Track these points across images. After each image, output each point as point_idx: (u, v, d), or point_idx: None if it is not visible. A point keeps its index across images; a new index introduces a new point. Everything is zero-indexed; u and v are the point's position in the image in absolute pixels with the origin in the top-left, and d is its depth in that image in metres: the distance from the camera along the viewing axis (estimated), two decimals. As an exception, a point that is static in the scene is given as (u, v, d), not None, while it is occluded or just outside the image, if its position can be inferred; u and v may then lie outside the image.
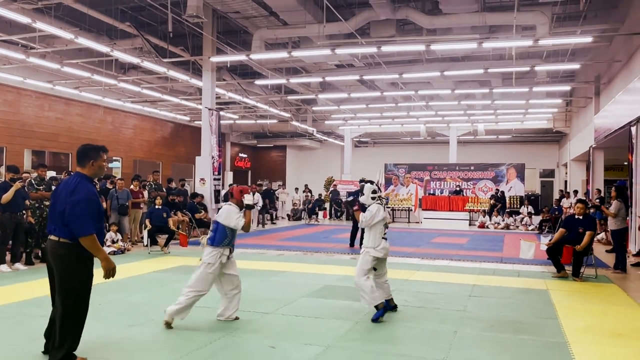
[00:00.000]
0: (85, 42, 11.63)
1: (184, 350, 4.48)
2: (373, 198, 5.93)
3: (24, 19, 9.96)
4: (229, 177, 28.51)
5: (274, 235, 15.47)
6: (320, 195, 24.36)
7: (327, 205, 23.34)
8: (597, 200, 14.27)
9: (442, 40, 13.64)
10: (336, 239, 14.31)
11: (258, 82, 17.53)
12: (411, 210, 21.97)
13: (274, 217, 21.45)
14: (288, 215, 22.79)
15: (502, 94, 19.77)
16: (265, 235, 15.66)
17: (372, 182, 6.17)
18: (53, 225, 4.00)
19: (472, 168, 24.28)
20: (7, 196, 8.39)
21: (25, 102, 16.90)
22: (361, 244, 11.77)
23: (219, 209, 6.01)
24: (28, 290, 6.98)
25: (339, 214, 22.66)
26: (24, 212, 8.80)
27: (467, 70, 15.93)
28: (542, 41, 11.72)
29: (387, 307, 5.81)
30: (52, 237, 3.98)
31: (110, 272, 4.07)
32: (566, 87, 19.04)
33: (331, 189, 23.85)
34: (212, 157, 15.25)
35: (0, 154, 16.12)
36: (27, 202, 8.92)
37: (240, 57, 14.11)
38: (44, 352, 4.29)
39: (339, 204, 22.79)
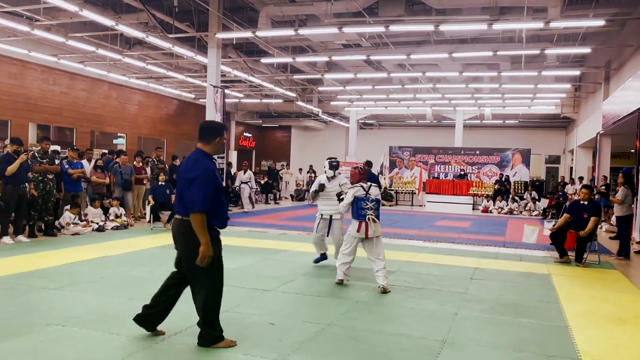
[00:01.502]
0: (90, 15, 11.48)
1: (183, 325, 4.48)
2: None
3: (28, -10, 9.84)
4: (234, 156, 28.47)
5: (276, 215, 15.48)
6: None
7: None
8: (603, 187, 14.18)
9: (451, 21, 13.42)
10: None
11: (264, 60, 17.34)
12: (415, 193, 21.92)
13: (277, 197, 21.47)
14: (291, 195, 22.79)
15: (511, 77, 19.52)
16: (268, 214, 15.68)
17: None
18: (177, 204, 3.95)
19: (477, 152, 24.13)
20: (12, 168, 8.39)
21: (30, 75, 16.81)
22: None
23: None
24: (30, 262, 7.01)
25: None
26: (26, 184, 8.80)
27: (476, 52, 15.70)
28: (553, 24, 11.50)
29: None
30: (177, 216, 3.94)
31: (205, 259, 3.76)
32: (576, 72, 18.76)
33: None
34: (217, 135, 15.19)
35: (5, 127, 16.10)
36: (29, 174, 8.92)
37: (246, 34, 13.93)
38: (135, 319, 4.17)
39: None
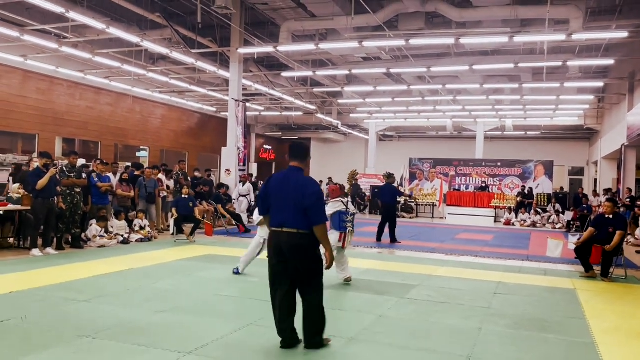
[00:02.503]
0: (116, 32, 11.81)
1: (209, 338, 4.55)
2: None
3: (57, 9, 10.16)
4: (254, 168, 28.70)
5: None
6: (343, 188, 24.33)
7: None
8: (628, 200, 13.94)
9: (472, 34, 13.44)
10: (359, 232, 14.28)
11: (284, 74, 17.56)
12: (435, 205, 21.79)
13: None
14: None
15: (532, 89, 19.39)
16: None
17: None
18: (286, 218, 4.22)
19: (498, 164, 23.91)
20: (43, 182, 8.61)
21: (57, 90, 17.27)
22: (392, 238, 11.82)
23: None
24: (58, 275, 7.16)
25: (361, 207, 22.62)
26: (55, 198, 9.01)
27: (497, 64, 15.68)
28: (576, 36, 11.45)
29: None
30: (288, 229, 4.20)
31: (331, 262, 4.41)
32: (599, 84, 18.57)
33: (353, 182, 23.80)
34: (238, 148, 15.38)
35: (33, 141, 16.54)
36: (58, 188, 9.14)
37: (268, 49, 14.15)
38: (284, 346, 4.35)
39: (363, 197, 22.74)
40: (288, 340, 4.34)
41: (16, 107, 15.79)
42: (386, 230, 12.10)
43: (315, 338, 4.32)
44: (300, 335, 4.37)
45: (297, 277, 4.25)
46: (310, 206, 4.16)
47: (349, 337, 4.78)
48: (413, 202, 21.64)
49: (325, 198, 4.88)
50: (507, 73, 18.57)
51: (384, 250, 11.02)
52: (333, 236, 6.81)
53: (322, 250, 4.35)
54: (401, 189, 22.60)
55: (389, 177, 13.33)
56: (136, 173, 12.42)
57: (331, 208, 6.96)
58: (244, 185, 15.35)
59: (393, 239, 12.02)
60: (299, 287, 4.29)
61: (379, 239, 12.14)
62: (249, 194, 15.22)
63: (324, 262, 4.38)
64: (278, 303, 4.30)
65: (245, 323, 5.09)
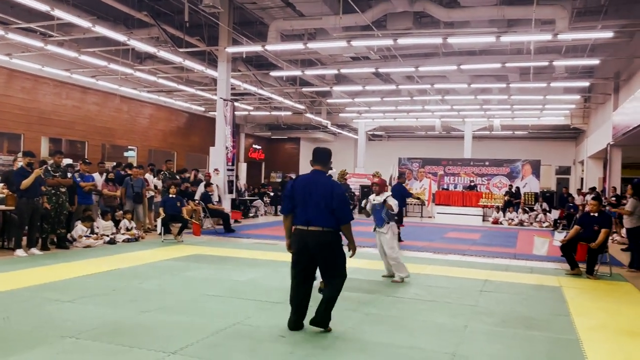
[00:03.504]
0: (102, 30, 11.70)
1: (194, 338, 4.52)
2: None
3: (42, 7, 10.03)
4: (243, 168, 28.62)
5: (286, 227, 15.50)
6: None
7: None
8: (614, 199, 14.09)
9: (460, 34, 13.50)
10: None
11: (273, 73, 17.51)
12: (424, 204, 21.86)
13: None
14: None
15: (519, 89, 19.52)
16: (278, 226, 15.71)
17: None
18: (313, 217, 4.65)
19: (486, 163, 24.06)
20: (27, 182, 8.51)
21: (43, 90, 17.08)
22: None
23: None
24: (43, 275, 7.09)
25: (351, 206, 22.64)
26: (39, 198, 8.90)
27: (484, 64, 15.76)
28: (562, 36, 11.54)
29: None
30: (313, 228, 4.64)
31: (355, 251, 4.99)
32: (585, 83, 18.74)
33: (342, 182, 23.80)
34: (226, 148, 15.30)
35: (18, 141, 16.33)
36: (43, 188, 9.04)
37: (256, 48, 14.10)
38: (293, 328, 4.82)
39: (352, 197, 22.75)
40: (299, 326, 4.82)
41: (1, 106, 15.58)
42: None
43: (328, 315, 4.79)
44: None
45: (322, 268, 4.75)
46: (338, 207, 4.65)
47: (336, 336, 4.77)
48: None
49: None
50: (494, 73, 18.69)
51: (373, 250, 11.03)
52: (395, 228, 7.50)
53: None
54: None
55: (399, 176, 13.37)
56: (128, 172, 12.34)
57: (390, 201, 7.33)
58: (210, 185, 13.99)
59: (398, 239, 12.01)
60: (326, 274, 4.77)
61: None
62: (212, 195, 13.91)
63: (347, 254, 4.88)
64: (297, 293, 4.78)
65: (231, 322, 5.07)
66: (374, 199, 7.52)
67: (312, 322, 4.80)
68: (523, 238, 14.13)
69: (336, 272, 4.79)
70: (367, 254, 10.52)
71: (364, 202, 7.88)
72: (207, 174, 15.32)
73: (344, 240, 4.89)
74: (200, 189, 13.73)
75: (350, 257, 4.91)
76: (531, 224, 19.02)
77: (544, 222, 18.69)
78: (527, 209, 19.89)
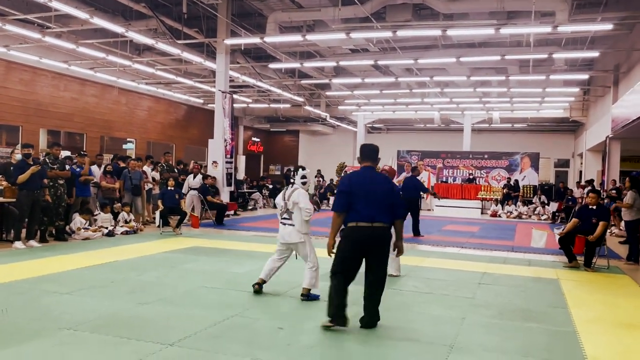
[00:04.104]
0: (100, 22, 11.62)
1: (192, 329, 4.53)
2: (303, 183, 5.93)
3: (40, -2, 9.98)
4: (242, 160, 28.58)
5: (285, 219, 15.50)
6: (332, 180, 24.35)
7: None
8: (614, 191, 14.10)
9: (459, 26, 13.44)
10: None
11: (272, 65, 17.45)
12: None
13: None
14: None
15: (519, 81, 19.47)
16: (275, 219, 15.70)
17: (303, 168, 6.15)
18: (377, 213, 4.62)
19: (485, 156, 24.05)
20: (23, 177, 8.51)
21: (41, 81, 17.00)
22: (415, 231, 11.48)
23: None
24: (41, 267, 7.09)
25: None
26: (40, 190, 8.88)
27: (484, 56, 15.70)
28: (561, 28, 11.49)
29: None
30: (378, 224, 4.61)
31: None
32: (584, 76, 18.68)
33: (342, 174, 23.79)
34: (225, 140, 15.27)
35: (17, 133, 16.29)
36: (45, 180, 9.03)
37: (255, 40, 14.04)
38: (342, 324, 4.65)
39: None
40: (343, 320, 4.64)
41: (-1, 98, 15.55)
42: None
43: (377, 311, 4.80)
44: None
45: (375, 264, 4.71)
46: (396, 202, 4.74)
47: (335, 328, 4.77)
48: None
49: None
50: (494, 65, 18.62)
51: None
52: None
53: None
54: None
55: (413, 169, 13.27)
56: (121, 165, 12.31)
57: None
58: (194, 177, 13.38)
59: (416, 233, 11.99)
60: (378, 269, 4.73)
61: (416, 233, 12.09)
62: (198, 187, 13.34)
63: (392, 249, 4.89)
64: (343, 288, 4.67)
65: (230, 314, 5.08)
66: None
67: (368, 325, 4.75)
68: (521, 231, 14.15)
69: (385, 267, 4.85)
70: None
71: None
72: (196, 167, 14.13)
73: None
74: (190, 180, 13.39)
75: (397, 256, 5.08)
76: (530, 216, 19.05)
77: (542, 215, 18.72)
78: (525, 201, 19.91)
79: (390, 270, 6.74)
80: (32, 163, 8.66)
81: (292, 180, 5.94)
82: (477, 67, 19.05)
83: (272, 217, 15.96)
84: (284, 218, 5.92)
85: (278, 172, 31.98)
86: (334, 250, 4.74)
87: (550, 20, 12.54)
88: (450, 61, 16.11)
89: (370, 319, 4.78)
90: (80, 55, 16.17)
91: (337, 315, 4.61)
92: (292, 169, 6.31)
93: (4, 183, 9.30)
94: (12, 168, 8.99)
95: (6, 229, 9.37)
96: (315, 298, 5.77)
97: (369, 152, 4.96)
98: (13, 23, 12.74)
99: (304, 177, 5.90)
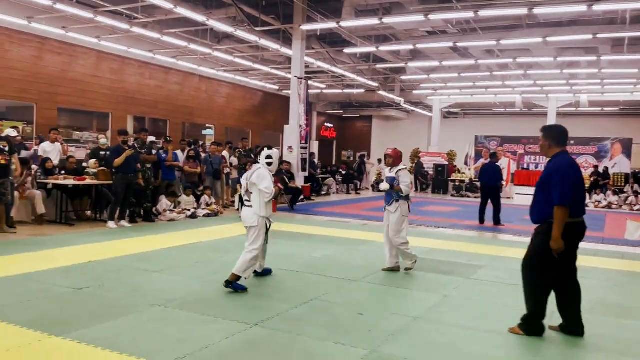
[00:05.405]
0: (183, 11, 12.05)
1: (275, 311, 4.63)
2: (269, 164, 5.63)
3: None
4: (315, 146, 28.80)
5: (358, 205, 15.51)
6: (405, 167, 24.02)
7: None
8: None
9: (547, 3, 12.65)
10: (421, 211, 14.05)
11: (347, 50, 17.34)
12: (502, 185, 21.06)
13: (358, 187, 21.50)
14: (372, 186, 22.72)
15: (611, 62, 18.12)
16: (350, 204, 15.74)
17: (270, 148, 5.84)
18: (583, 206, 4.31)
19: (572, 142, 22.74)
20: (119, 161, 9.07)
21: (128, 70, 17.95)
22: (496, 220, 11.06)
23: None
24: (132, 246, 7.52)
25: (424, 186, 22.25)
26: (134, 174, 9.40)
27: (573, 36, 14.71)
28: (664, 2, 10.54)
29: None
30: (572, 220, 4.13)
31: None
32: (687, 54, 17.08)
33: (416, 161, 23.38)
34: (300, 126, 15.43)
35: (107, 119, 17.34)
36: (139, 165, 9.55)
37: (331, 25, 13.98)
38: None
39: (425, 176, 22.35)
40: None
41: (91, 86, 16.56)
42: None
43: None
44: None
45: (574, 264, 4.40)
46: (577, 193, 4.18)
47: (414, 316, 4.72)
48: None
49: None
50: (583, 45, 17.41)
51: (448, 230, 10.80)
52: (405, 208, 6.49)
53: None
54: (466, 168, 22.00)
55: (492, 155, 12.84)
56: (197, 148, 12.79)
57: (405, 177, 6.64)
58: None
59: (497, 221, 11.64)
60: (575, 270, 4.40)
61: (481, 220, 11.84)
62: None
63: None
64: (546, 296, 4.39)
65: (309, 297, 5.14)
66: (387, 173, 6.85)
67: (578, 333, 4.35)
68: (612, 222, 13.26)
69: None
70: (438, 234, 10.36)
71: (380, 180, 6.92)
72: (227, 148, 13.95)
73: None
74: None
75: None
76: (620, 207, 17.80)
77: (635, 205, 17.45)
78: (616, 190, 18.63)
79: (407, 263, 6.49)
80: (126, 148, 9.19)
81: (257, 160, 5.68)
82: (564, 47, 17.90)
83: (345, 203, 16.02)
84: (245, 200, 5.69)
85: (350, 158, 31.88)
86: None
87: (650, -6, 11.50)
88: (536, 41, 15.24)
89: (580, 325, 4.40)
90: (164, 45, 16.88)
91: (539, 315, 4.39)
92: (258, 147, 6.13)
93: (97, 166, 9.94)
94: (106, 153, 9.59)
95: (99, 209, 10.03)
96: (242, 289, 5.24)
97: (565, 135, 4.43)
98: (103, 14, 13.48)
99: (269, 156, 5.62)
